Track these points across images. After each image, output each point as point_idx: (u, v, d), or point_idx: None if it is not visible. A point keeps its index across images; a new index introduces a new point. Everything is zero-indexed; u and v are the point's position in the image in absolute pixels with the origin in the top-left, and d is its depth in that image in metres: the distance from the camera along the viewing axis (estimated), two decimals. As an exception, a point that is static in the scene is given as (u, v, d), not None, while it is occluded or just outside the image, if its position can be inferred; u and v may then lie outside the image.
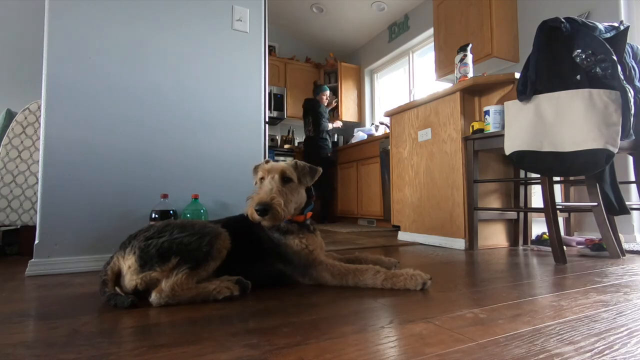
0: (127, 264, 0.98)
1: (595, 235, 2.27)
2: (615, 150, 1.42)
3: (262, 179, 1.18)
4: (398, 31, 4.69)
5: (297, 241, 1.16)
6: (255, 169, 1.24)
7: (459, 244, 2.10)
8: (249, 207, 1.10)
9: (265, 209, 1.06)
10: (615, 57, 1.43)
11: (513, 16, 3.17)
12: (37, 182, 1.98)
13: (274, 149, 4.73)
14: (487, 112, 1.98)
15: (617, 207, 1.75)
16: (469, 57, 2.27)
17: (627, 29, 1.54)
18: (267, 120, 1.97)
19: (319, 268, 1.16)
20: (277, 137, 5.25)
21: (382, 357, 0.62)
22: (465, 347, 0.66)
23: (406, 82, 4.74)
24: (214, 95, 1.83)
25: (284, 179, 1.16)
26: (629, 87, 1.45)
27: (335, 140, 5.29)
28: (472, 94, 2.23)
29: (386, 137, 3.71)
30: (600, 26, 1.51)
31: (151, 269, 0.96)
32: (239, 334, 0.74)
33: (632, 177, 2.35)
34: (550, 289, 1.12)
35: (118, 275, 1.01)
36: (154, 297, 0.94)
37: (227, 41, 1.88)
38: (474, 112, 2.23)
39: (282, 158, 4.67)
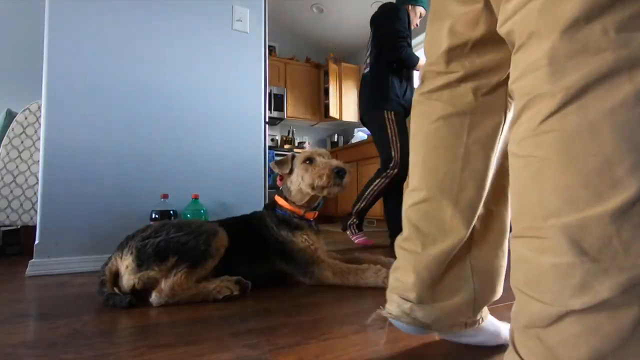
0: (125, 264, 0.98)
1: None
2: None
3: (309, 161, 1.20)
4: (398, 31, 4.69)
5: (305, 237, 1.18)
6: (293, 157, 1.27)
7: (459, 243, 2.10)
8: (315, 176, 1.14)
9: (345, 170, 1.13)
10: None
11: (513, 16, 3.16)
12: (37, 182, 1.97)
13: (274, 149, 4.73)
14: (487, 112, 1.97)
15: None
16: (469, 57, 2.26)
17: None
18: (267, 120, 1.97)
19: (321, 266, 1.16)
20: (277, 137, 5.25)
21: (382, 357, 0.62)
22: (465, 346, 0.66)
23: (406, 82, 4.74)
24: (214, 96, 1.83)
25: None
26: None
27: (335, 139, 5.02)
28: (472, 93, 2.22)
29: (386, 137, 3.71)
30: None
31: (148, 269, 0.96)
32: (239, 334, 0.74)
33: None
34: (551, 288, 1.12)
35: (116, 276, 1.01)
36: (154, 297, 0.94)
37: (227, 41, 1.88)
38: (474, 112, 2.22)
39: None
